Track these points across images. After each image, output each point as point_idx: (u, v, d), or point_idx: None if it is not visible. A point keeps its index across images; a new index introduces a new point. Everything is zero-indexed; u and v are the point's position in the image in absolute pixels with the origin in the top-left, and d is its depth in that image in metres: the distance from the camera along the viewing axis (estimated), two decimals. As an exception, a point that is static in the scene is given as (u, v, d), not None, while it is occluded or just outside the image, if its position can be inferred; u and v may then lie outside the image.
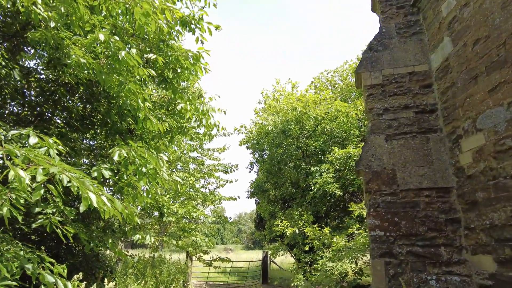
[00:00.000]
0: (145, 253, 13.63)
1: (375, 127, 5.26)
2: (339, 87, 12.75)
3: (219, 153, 13.72)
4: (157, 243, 12.88)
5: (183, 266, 14.21)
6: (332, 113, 10.32)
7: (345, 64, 14.43)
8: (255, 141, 11.99)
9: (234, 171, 13.15)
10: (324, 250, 8.79)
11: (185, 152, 12.12)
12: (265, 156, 13.69)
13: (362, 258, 7.56)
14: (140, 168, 4.38)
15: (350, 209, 8.02)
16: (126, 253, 11.70)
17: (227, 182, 13.97)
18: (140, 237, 6.30)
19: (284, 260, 30.45)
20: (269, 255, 20.54)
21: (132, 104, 4.87)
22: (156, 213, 11.22)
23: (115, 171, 5.06)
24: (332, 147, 10.10)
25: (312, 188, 9.72)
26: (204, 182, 13.27)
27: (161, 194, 10.86)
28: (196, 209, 10.97)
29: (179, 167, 12.04)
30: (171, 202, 10.67)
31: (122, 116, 5.65)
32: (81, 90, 5.79)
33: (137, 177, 4.49)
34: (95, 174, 4.24)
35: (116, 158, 4.13)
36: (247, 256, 37.62)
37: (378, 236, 4.69)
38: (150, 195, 4.86)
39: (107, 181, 5.41)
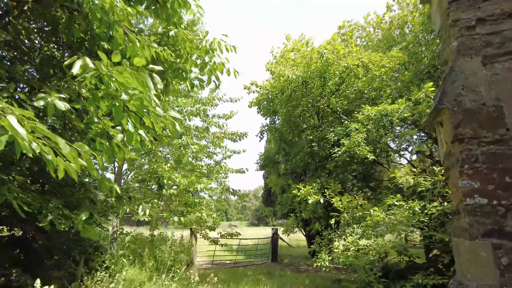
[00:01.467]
0: (143, 232, 12.26)
1: (465, 46, 3.53)
2: (374, 38, 10.63)
3: (226, 120, 12.04)
4: (156, 219, 11.48)
5: (187, 244, 12.90)
6: (365, 63, 8.52)
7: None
8: (267, 102, 10.26)
9: (242, 139, 11.52)
10: (354, 225, 7.29)
11: (185, 115, 10.47)
12: (278, 122, 12.00)
13: (411, 234, 6.02)
14: (116, 100, 2.75)
15: (392, 175, 6.41)
16: (121, 230, 10.33)
17: (234, 153, 12.38)
18: (128, 210, 4.79)
19: (292, 237, 29.39)
20: (278, 232, 19.33)
21: (104, 7, 3.16)
22: (155, 187, 9.73)
23: (81, 111, 3.43)
24: (363, 105, 8.39)
25: (336, 153, 8.11)
26: (209, 152, 11.68)
27: (159, 162, 9.32)
28: (200, 180, 9.44)
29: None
30: (174, 172, 9.14)
31: (93, 40, 3.94)
32: None
33: (114, 116, 2.85)
34: (42, 103, 2.63)
35: (76, 71, 2.51)
36: (253, 232, 36.75)
37: (478, 206, 3.09)
38: (132, 147, 3.24)
39: (71, 128, 3.80)
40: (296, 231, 26.51)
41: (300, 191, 7.47)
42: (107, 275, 6.89)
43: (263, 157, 13.41)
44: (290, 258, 19.07)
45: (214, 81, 5.12)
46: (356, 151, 7.31)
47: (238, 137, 11.32)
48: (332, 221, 7.41)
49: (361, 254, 6.29)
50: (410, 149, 9.47)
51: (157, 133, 3.31)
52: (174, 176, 8.78)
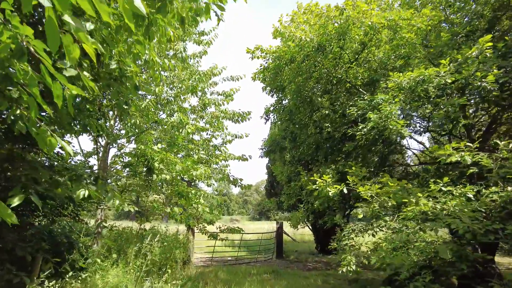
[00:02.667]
0: (131, 225, 10.88)
1: None
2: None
3: (225, 97, 10.58)
4: (146, 210, 10.07)
5: (182, 239, 11.52)
6: (392, 23, 7.01)
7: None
8: (274, 73, 8.70)
9: (245, 120, 10.06)
10: (387, 218, 5.85)
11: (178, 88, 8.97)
12: (286, 103, 10.50)
13: (480, 228, 4.57)
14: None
15: (438, 152, 4.96)
16: (105, 223, 8.94)
17: (236, 137, 10.92)
18: (85, 193, 3.36)
19: (297, 231, 28.00)
20: (283, 226, 17.97)
21: None
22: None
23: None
24: (390, 73, 6.90)
25: (361, 130, 6.64)
26: (207, 134, 10.21)
27: (148, 142, 7.88)
28: (197, 167, 7.99)
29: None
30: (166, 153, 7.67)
31: None
32: None
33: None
34: None
35: None
36: (255, 227, 35.50)
37: None
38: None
39: None
40: (301, 225, 25.28)
41: (317, 182, 6.02)
42: (78, 279, 5.50)
43: (269, 141, 11.96)
44: (296, 254, 17.72)
45: (215, 12, 3.65)
46: (388, 125, 5.84)
47: (240, 118, 9.84)
48: (360, 215, 5.97)
49: (400, 254, 4.87)
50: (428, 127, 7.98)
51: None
52: (167, 158, 7.33)
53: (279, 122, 10.95)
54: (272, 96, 10.37)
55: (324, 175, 5.94)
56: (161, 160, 7.57)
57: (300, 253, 18.26)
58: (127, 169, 8.57)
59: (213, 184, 9.49)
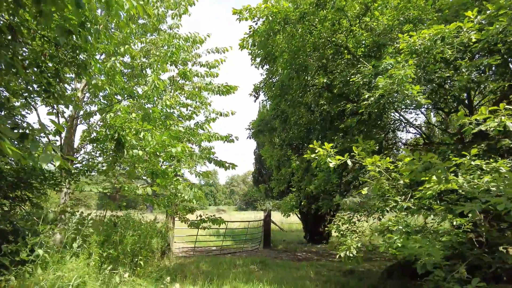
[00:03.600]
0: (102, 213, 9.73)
1: None
2: None
3: (209, 70, 9.44)
4: (116, 193, 8.91)
5: (161, 228, 10.44)
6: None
7: None
8: (265, 36, 7.51)
9: (231, 92, 8.95)
10: (398, 198, 4.92)
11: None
12: (276, 80, 9.40)
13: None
14: None
15: (474, 116, 4.00)
16: (69, 209, 7.74)
17: (220, 114, 9.82)
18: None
19: (284, 220, 27.22)
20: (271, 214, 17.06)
21: None
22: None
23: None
24: (400, 35, 5.89)
25: (368, 99, 5.65)
26: (187, 110, 9.06)
27: (121, 111, 6.70)
28: (175, 143, 6.83)
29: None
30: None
31: None
32: None
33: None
34: None
35: None
36: (242, 217, 34.61)
37: None
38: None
39: None
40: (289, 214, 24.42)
41: (316, 151, 4.99)
42: (16, 274, 4.37)
43: (256, 122, 10.86)
44: (284, 244, 16.90)
45: None
46: (403, 89, 4.84)
47: (226, 90, 8.71)
48: (363, 191, 5.01)
49: (419, 239, 3.92)
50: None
51: None
52: (143, 128, 6.14)
53: (269, 102, 9.86)
54: (262, 67, 9.22)
55: (328, 144, 4.92)
56: (136, 131, 6.38)
57: (289, 243, 17.47)
58: (93, 145, 7.37)
59: (196, 166, 8.37)
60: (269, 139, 11.06)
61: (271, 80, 9.59)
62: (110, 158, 6.97)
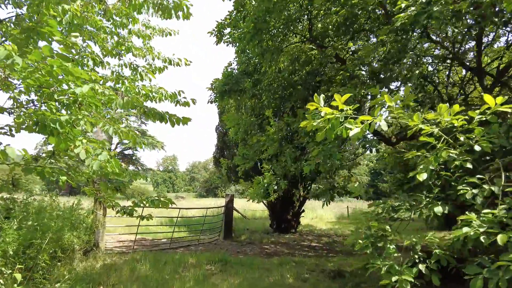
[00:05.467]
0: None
1: None
2: None
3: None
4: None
5: (83, 218, 7.68)
6: None
7: None
8: None
9: (180, 11, 6.22)
10: (476, 179, 2.74)
11: None
12: (246, 15, 6.88)
13: None
14: None
15: None
16: None
17: (170, 63, 7.04)
18: None
19: (248, 206, 25.07)
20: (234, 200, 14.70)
21: None
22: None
23: None
24: None
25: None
26: (111, 42, 6.19)
27: None
28: (78, 70, 4.06)
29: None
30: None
31: None
32: None
33: None
34: None
35: None
36: (202, 203, 31.97)
37: None
38: None
39: None
40: (245, 199, 22.09)
41: (322, 114, 2.57)
42: None
43: (222, 80, 8.19)
44: (248, 234, 14.71)
45: None
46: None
47: (173, 10, 5.96)
48: (421, 175, 2.80)
49: None
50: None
51: None
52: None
53: (238, 46, 7.32)
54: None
55: (337, 99, 2.58)
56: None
57: (253, 232, 15.32)
58: None
59: (128, 117, 5.63)
60: (237, 103, 8.56)
61: (240, 13, 6.97)
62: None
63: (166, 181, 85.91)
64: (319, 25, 6.77)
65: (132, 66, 6.10)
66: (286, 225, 15.65)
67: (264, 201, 17.80)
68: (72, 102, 4.14)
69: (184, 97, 5.84)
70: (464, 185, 2.69)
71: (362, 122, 2.63)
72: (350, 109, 2.70)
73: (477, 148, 2.63)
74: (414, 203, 3.29)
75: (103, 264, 7.23)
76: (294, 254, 9.95)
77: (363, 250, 3.01)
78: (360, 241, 3.10)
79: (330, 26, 6.69)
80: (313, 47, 7.11)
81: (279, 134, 6.92)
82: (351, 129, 2.59)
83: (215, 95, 8.76)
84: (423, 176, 2.50)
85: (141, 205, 5.49)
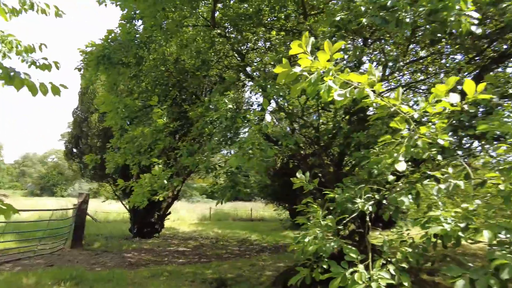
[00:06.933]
0: None
1: None
2: None
3: None
4: None
5: None
6: None
7: None
8: None
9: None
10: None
11: None
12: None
13: None
14: None
15: None
16: None
17: (31, 6, 5.06)
18: None
19: (99, 207, 21.68)
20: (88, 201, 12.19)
21: None
22: None
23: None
24: None
25: None
26: None
27: None
28: None
29: None
30: None
31: None
32: None
33: None
34: None
35: None
36: (35, 203, 25.86)
37: None
38: None
39: None
40: (105, 200, 19.23)
41: (310, 58, 1.99)
42: None
43: (101, 45, 6.31)
44: (102, 241, 12.53)
45: None
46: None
47: None
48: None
49: None
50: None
51: None
52: None
53: (126, 9, 5.88)
54: None
55: (326, 48, 2.01)
56: None
57: (108, 238, 13.18)
58: None
59: None
60: (113, 80, 6.87)
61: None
62: None
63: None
64: (229, 12, 6.25)
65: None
66: (150, 229, 14.17)
67: (123, 202, 15.67)
68: None
69: (45, 58, 4.12)
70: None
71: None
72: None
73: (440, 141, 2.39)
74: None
75: None
76: (163, 262, 8.89)
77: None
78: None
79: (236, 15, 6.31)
80: (216, 34, 6.55)
81: (170, 126, 5.95)
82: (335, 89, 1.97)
83: (86, 63, 6.79)
84: (401, 166, 2.16)
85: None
